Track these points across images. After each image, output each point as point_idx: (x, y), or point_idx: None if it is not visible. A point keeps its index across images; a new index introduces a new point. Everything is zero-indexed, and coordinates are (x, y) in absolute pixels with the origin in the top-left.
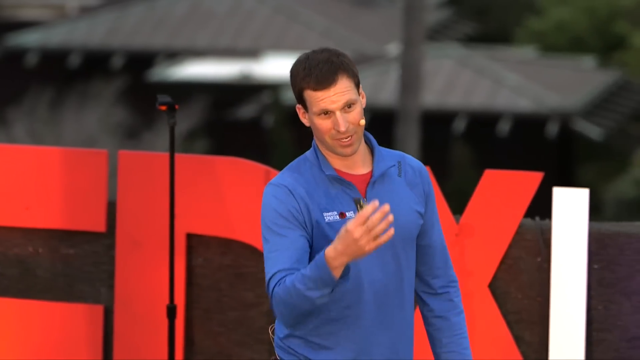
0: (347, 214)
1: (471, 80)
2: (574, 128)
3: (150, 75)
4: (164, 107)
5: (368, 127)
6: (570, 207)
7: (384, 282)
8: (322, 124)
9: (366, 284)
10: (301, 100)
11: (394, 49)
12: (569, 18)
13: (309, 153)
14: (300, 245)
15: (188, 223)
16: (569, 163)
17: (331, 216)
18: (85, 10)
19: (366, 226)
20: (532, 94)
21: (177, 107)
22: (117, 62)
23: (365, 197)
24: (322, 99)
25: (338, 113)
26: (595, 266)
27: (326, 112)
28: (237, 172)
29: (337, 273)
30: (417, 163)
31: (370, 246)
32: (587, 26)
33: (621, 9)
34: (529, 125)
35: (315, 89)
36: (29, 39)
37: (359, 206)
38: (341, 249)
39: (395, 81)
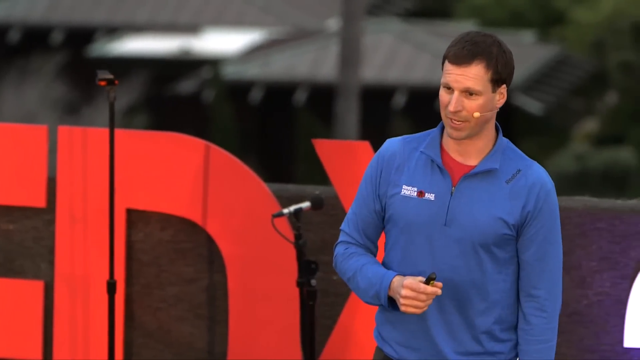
0: (426, 194)
1: (411, 55)
2: (514, 103)
3: (90, 50)
4: (103, 83)
5: (308, 103)
6: None
7: (444, 273)
8: (442, 96)
9: (424, 269)
10: (443, 66)
11: (333, 24)
12: None
13: (437, 127)
14: (364, 217)
15: (128, 198)
16: (509, 137)
17: (410, 191)
18: None
19: (413, 297)
20: None
21: (116, 82)
22: (57, 37)
23: (455, 187)
24: (450, 73)
25: (456, 93)
26: None
27: (448, 87)
28: (177, 147)
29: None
30: (536, 179)
31: (403, 308)
32: (527, 0)
33: None
34: None
35: (450, 61)
36: None
37: (429, 281)
38: (394, 289)
39: (335, 56)
